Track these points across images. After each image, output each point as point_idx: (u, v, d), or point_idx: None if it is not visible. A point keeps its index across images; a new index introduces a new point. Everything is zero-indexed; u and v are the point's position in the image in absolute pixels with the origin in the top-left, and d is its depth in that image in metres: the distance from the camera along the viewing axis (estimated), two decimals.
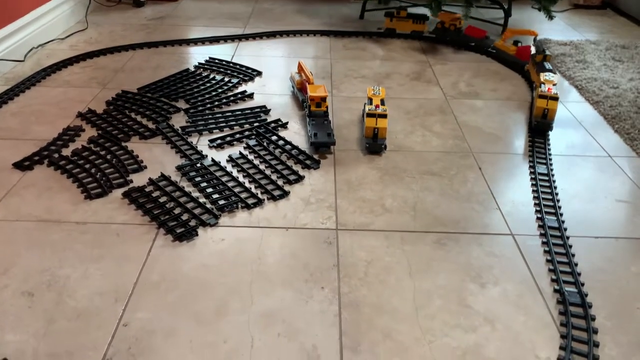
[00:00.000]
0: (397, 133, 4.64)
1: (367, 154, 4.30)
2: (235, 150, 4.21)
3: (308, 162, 4.10)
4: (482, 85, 5.66)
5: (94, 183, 3.72)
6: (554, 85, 4.65)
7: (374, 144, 4.26)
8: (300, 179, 3.92)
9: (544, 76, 4.81)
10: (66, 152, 4.07)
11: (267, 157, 4.11)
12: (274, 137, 4.37)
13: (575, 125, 4.91)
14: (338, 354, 2.63)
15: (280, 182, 3.84)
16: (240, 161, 4.04)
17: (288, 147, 4.27)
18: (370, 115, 4.27)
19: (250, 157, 4.12)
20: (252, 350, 2.62)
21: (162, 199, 3.58)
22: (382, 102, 4.46)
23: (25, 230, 3.31)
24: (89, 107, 4.71)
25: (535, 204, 3.78)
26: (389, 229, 3.49)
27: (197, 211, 3.49)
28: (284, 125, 4.61)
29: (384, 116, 4.28)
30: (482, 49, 6.41)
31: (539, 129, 4.52)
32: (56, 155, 4.00)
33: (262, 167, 4.00)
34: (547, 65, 5.21)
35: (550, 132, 4.60)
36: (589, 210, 3.78)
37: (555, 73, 5.16)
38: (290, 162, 4.09)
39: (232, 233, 3.38)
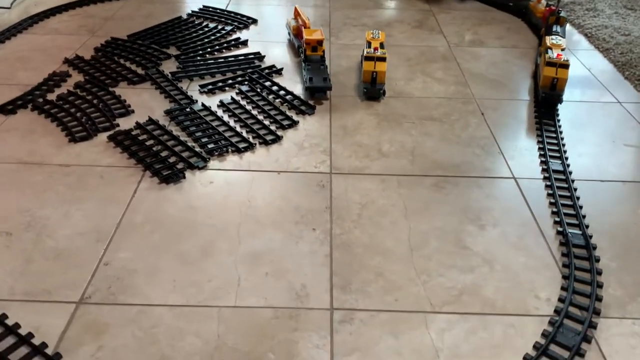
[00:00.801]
0: (397, 80, 4.45)
1: (364, 100, 4.12)
2: (227, 96, 4.05)
3: (303, 107, 3.93)
4: (488, 34, 5.44)
5: (79, 127, 3.57)
6: (563, 50, 4.11)
7: (372, 89, 4.08)
8: (294, 124, 3.76)
9: (550, 39, 4.22)
10: (51, 97, 3.92)
11: (260, 103, 3.95)
12: (268, 83, 4.19)
13: (584, 72, 4.71)
14: (328, 292, 2.51)
15: (273, 127, 3.68)
16: (231, 106, 3.88)
17: (282, 92, 4.09)
18: (368, 58, 4.08)
19: (243, 102, 3.95)
20: (239, 289, 2.50)
21: (149, 143, 3.43)
22: (382, 45, 4.26)
23: (5, 172, 3.18)
24: (76, 54, 4.53)
25: (539, 148, 3.61)
26: (385, 173, 3.34)
27: (185, 155, 3.35)
28: (279, 72, 4.43)
29: (383, 59, 4.09)
30: (518, 9, 5.74)
31: (547, 101, 3.97)
32: (41, 100, 3.85)
33: (254, 112, 3.84)
34: (556, 28, 4.64)
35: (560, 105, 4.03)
36: (595, 155, 3.61)
37: (563, 37, 4.48)
38: (284, 108, 3.92)
39: (221, 176, 3.24)
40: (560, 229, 2.92)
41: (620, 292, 2.58)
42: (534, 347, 2.28)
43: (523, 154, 3.56)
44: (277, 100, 4.01)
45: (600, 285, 2.59)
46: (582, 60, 4.91)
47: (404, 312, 2.44)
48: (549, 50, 4.07)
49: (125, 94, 3.99)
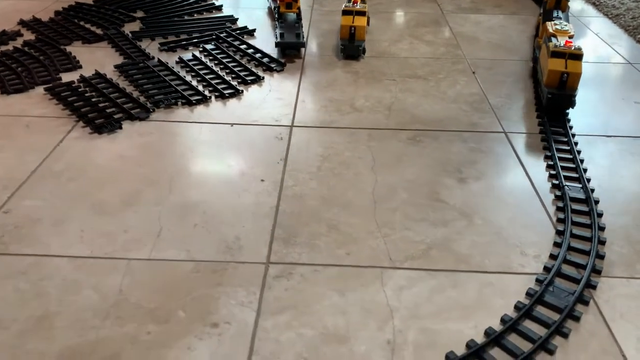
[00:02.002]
0: (381, 42, 4.02)
1: (342, 59, 3.69)
2: (189, 54, 3.64)
3: (272, 65, 3.51)
4: (485, 2, 4.99)
5: (16, 79, 3.18)
6: (571, 37, 3.10)
7: (350, 45, 3.65)
8: (258, 79, 3.34)
9: (553, 25, 3.23)
10: None
11: (225, 60, 3.53)
12: (237, 42, 3.78)
13: (592, 36, 4.25)
14: (266, 245, 2.06)
15: (234, 82, 3.26)
16: (192, 63, 3.48)
17: (251, 51, 3.68)
18: (346, 12, 3.65)
19: (205, 60, 3.54)
20: (157, 240, 2.07)
21: (90, 95, 3.03)
22: (363, 0, 3.84)
23: None
24: (33, 16, 4.17)
25: (536, 104, 3.15)
26: (356, 127, 2.89)
27: (127, 106, 2.94)
28: (251, 33, 4.03)
29: (363, 14, 3.66)
30: None
31: (555, 104, 2.89)
32: None
33: (216, 69, 3.42)
34: (558, 14, 3.63)
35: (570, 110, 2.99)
36: (602, 112, 3.14)
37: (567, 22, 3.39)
38: (250, 66, 3.50)
39: (164, 127, 2.82)
40: (556, 181, 2.45)
41: (628, 249, 2.10)
42: (516, 307, 1.81)
43: (516, 111, 3.11)
44: (245, 58, 3.59)
45: (602, 242, 2.11)
46: (590, 26, 4.44)
47: (357, 266, 1.98)
48: (553, 38, 3.05)
49: (77, 52, 3.61)
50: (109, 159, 2.54)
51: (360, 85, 3.35)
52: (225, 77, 3.30)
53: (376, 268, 1.97)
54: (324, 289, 1.88)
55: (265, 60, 3.57)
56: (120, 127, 2.77)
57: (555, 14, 3.59)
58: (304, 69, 3.53)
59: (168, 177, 2.42)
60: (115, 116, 2.84)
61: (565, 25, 3.22)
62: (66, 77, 3.27)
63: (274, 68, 3.48)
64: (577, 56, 2.87)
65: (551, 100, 2.86)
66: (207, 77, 3.30)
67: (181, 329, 1.71)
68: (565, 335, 1.71)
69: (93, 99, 2.98)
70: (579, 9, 4.87)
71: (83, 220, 2.16)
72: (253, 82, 3.31)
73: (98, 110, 2.87)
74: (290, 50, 3.67)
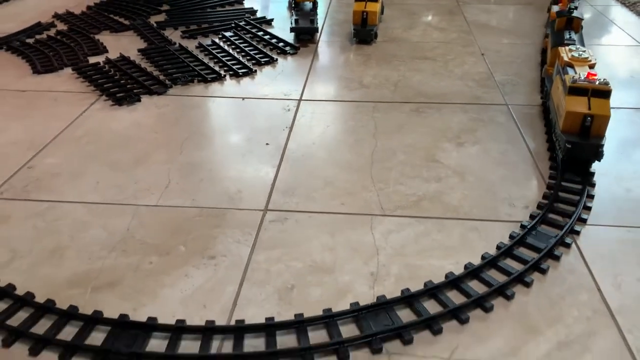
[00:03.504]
0: (394, 28, 4.13)
1: (355, 44, 3.82)
2: (209, 40, 3.82)
3: (286, 48, 3.66)
4: None
5: (46, 60, 3.42)
6: (592, 66, 2.43)
7: (362, 30, 3.77)
8: (271, 60, 3.49)
9: (568, 52, 2.52)
10: (30, 42, 3.80)
11: (242, 45, 3.70)
12: (254, 30, 3.95)
13: (605, 22, 4.27)
14: (265, 196, 2.19)
15: (248, 63, 3.42)
16: (210, 47, 3.66)
17: (267, 37, 3.84)
18: None
19: (223, 45, 3.72)
20: (165, 191, 2.22)
21: (113, 73, 3.24)
22: None
23: None
24: (67, 10, 4.44)
25: (542, 80, 3.20)
26: (362, 100, 3.01)
27: (147, 83, 3.13)
28: (269, 22, 4.20)
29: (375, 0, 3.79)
30: None
31: (576, 157, 2.24)
32: (17, 43, 3.73)
33: (232, 52, 3.60)
34: (570, 35, 2.98)
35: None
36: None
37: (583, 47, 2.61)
38: (265, 49, 3.66)
39: (180, 101, 2.99)
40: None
41: (613, 202, 2.15)
42: (497, 247, 1.88)
43: (521, 87, 3.17)
44: (261, 44, 3.76)
45: (591, 196, 2.16)
46: (605, 13, 4.47)
47: (349, 214, 2.09)
48: (569, 69, 2.39)
49: (105, 39, 3.84)
50: (126, 126, 2.72)
51: (370, 65, 3.46)
52: (241, 59, 3.46)
53: (367, 215, 2.08)
54: (316, 231, 1.99)
55: (280, 44, 3.72)
56: (139, 100, 2.96)
57: (567, 36, 2.94)
58: (317, 53, 3.67)
59: (179, 141, 2.58)
60: (135, 91, 3.03)
61: (584, 51, 2.51)
62: (93, 60, 3.48)
63: (288, 51, 3.63)
64: (603, 93, 2.20)
65: (571, 152, 2.19)
66: (223, 59, 3.47)
67: (180, 260, 1.85)
68: (543, 272, 1.78)
69: (116, 77, 3.18)
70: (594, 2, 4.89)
71: (98, 174, 2.33)
72: (266, 63, 3.46)
73: (120, 86, 3.07)
74: (304, 36, 3.81)
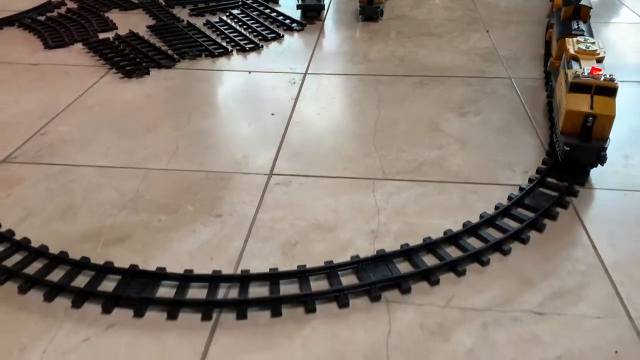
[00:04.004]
0: (401, 7, 4.15)
1: (361, 21, 3.85)
2: (217, 18, 3.87)
3: (293, 25, 3.71)
4: None
5: (57, 36, 3.49)
6: (600, 60, 2.21)
7: (368, 7, 3.81)
8: (278, 37, 3.54)
9: (575, 43, 2.29)
10: (41, 19, 3.86)
11: (248, 22, 3.75)
12: (261, 7, 3.99)
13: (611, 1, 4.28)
14: (271, 161, 2.25)
15: (255, 39, 3.47)
16: (218, 24, 3.71)
17: (274, 14, 3.89)
18: None
19: (231, 22, 3.76)
20: (174, 156, 2.29)
21: (123, 48, 3.30)
22: None
23: None
24: None
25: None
26: (367, 73, 3.05)
27: (156, 57, 3.19)
28: (276, 0, 4.23)
29: None
30: None
31: (574, 161, 2.06)
32: (29, 20, 3.80)
33: (240, 29, 3.64)
34: (578, 25, 2.70)
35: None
36: (612, 59, 3.20)
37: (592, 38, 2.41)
38: (272, 26, 3.71)
39: (188, 74, 3.05)
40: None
41: (613, 167, 2.19)
42: (495, 207, 1.93)
43: (525, 61, 3.20)
44: (268, 21, 3.80)
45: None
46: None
47: (352, 178, 2.15)
48: (574, 63, 2.19)
49: (114, 17, 3.89)
50: (135, 97, 2.78)
51: (375, 41, 3.50)
52: (247, 35, 3.51)
53: (369, 179, 2.13)
54: (319, 193, 2.05)
55: (287, 21, 3.76)
56: (148, 73, 3.02)
57: (575, 26, 2.67)
58: (323, 30, 3.71)
59: (187, 111, 2.64)
60: (144, 64, 3.09)
61: (592, 42, 2.29)
62: (103, 36, 3.54)
63: (294, 28, 3.67)
64: (608, 90, 1.99)
65: (569, 155, 2.00)
66: (230, 34, 3.52)
67: (189, 218, 1.91)
68: (540, 230, 1.83)
69: (125, 52, 3.24)
70: None
71: (108, 141, 2.40)
72: (273, 39, 3.51)
73: (129, 60, 3.13)
74: (311, 13, 3.85)
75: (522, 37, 3.53)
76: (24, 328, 1.48)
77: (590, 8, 2.83)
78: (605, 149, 1.98)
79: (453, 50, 3.36)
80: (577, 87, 2.01)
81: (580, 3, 2.80)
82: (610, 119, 1.96)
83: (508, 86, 2.89)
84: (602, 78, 1.99)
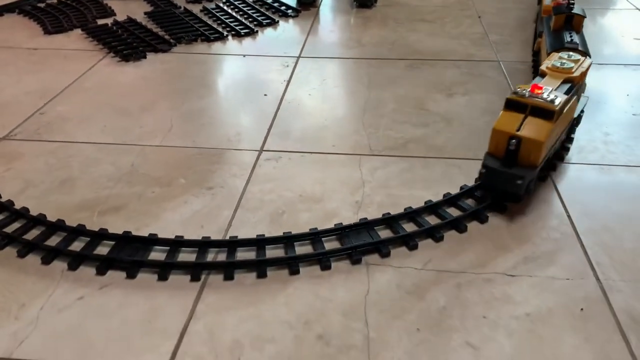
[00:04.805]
0: None
1: (355, 8, 3.92)
2: (213, 4, 3.94)
3: (288, 11, 3.78)
4: None
5: (56, 22, 3.56)
6: (570, 80, 2.00)
7: None
8: (273, 22, 3.61)
9: (558, 58, 2.13)
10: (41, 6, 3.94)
11: (245, 8, 3.82)
12: None
13: None
14: (262, 139, 2.33)
15: (250, 25, 3.54)
16: (214, 10, 3.78)
17: (269, 1, 3.95)
18: None
19: (227, 9, 3.83)
20: (168, 134, 2.36)
21: (121, 34, 3.37)
22: None
23: None
24: None
25: (533, 66, 3.26)
26: (359, 57, 3.12)
27: (153, 42, 3.26)
28: None
29: None
30: None
31: (490, 185, 1.89)
32: (29, 7, 3.87)
33: (236, 15, 3.71)
34: (571, 37, 2.41)
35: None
36: (602, 43, 3.26)
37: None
38: (268, 12, 3.78)
39: (184, 58, 3.13)
40: None
41: (590, 143, 2.26)
42: (475, 180, 2.01)
43: (514, 45, 3.26)
44: (264, 7, 3.87)
45: (570, 139, 2.27)
46: None
47: (339, 154, 2.22)
48: (539, 79, 2.06)
49: (112, 4, 3.96)
50: (132, 79, 2.86)
51: (369, 27, 3.57)
52: (243, 21, 3.59)
53: (356, 155, 2.21)
54: (307, 168, 2.13)
55: (282, 8, 3.83)
56: (145, 57, 3.09)
57: (568, 38, 2.38)
58: (318, 16, 3.77)
59: (183, 92, 2.72)
60: (141, 49, 3.16)
61: (576, 60, 2.09)
62: (101, 22, 3.62)
63: (289, 14, 3.74)
64: (545, 113, 1.79)
65: (486, 178, 1.85)
66: (226, 20, 3.59)
67: (181, 190, 1.99)
68: (518, 200, 1.90)
69: (123, 37, 3.31)
70: None
71: (105, 119, 2.48)
72: (268, 24, 3.58)
73: (126, 44, 3.20)
74: (307, 0, 3.92)
75: (512, 24, 3.60)
76: (22, 288, 1.57)
77: (584, 17, 2.56)
78: (522, 177, 1.74)
79: (445, 35, 3.42)
80: (511, 104, 1.85)
81: (572, 12, 2.55)
82: (537, 144, 1.74)
83: (496, 69, 2.95)
84: (542, 97, 1.80)
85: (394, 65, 3.01)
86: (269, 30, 3.51)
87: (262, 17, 3.66)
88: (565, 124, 2.02)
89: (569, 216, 1.85)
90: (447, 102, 2.61)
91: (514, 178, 1.77)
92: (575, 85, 1.99)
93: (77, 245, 1.70)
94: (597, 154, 2.20)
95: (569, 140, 2.26)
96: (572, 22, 2.55)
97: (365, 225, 1.75)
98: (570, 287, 1.56)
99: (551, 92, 1.85)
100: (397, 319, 1.46)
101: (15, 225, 1.80)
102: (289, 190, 1.99)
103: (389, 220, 1.78)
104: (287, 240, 1.71)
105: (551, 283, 1.58)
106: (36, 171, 2.10)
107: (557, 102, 1.81)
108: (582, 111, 2.26)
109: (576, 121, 2.23)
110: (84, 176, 2.07)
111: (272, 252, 1.68)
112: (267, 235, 1.74)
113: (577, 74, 2.02)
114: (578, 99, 2.14)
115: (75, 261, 1.64)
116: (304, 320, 1.46)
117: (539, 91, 1.84)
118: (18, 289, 1.56)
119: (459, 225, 1.77)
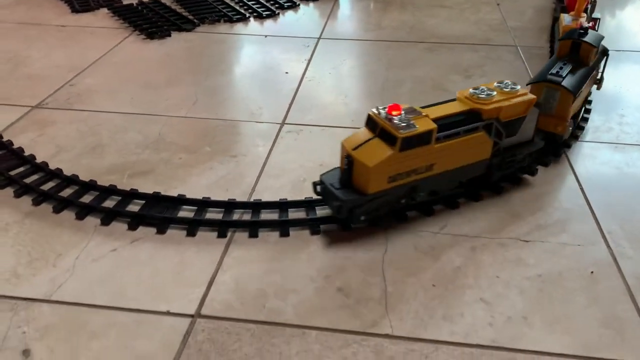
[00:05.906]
0: None
1: None
2: None
3: None
4: None
5: (84, 1, 3.66)
6: (474, 110, 1.75)
7: None
8: (294, 5, 3.68)
9: (481, 88, 1.83)
10: None
11: None
12: None
13: None
14: (284, 113, 2.40)
15: (272, 7, 3.61)
16: None
17: None
18: None
19: None
20: (193, 107, 2.44)
21: (146, 13, 3.46)
22: None
23: (4, 29, 3.29)
24: None
25: (551, 26, 3.33)
26: (378, 39, 3.18)
27: (177, 21, 3.34)
28: None
29: None
30: None
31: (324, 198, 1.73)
32: None
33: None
34: (561, 69, 2.06)
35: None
36: (614, 32, 3.30)
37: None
38: None
39: (207, 37, 3.20)
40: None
41: (607, 124, 2.31)
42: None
43: (532, 32, 3.30)
44: None
45: (585, 119, 2.32)
46: None
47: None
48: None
49: None
50: (157, 56, 2.94)
51: (388, 11, 3.63)
52: (265, 3, 3.66)
53: None
54: (327, 140, 2.20)
55: None
56: (169, 35, 3.18)
57: (556, 70, 2.05)
58: (338, 0, 3.83)
59: (205, 69, 2.80)
60: (165, 27, 3.25)
61: (515, 92, 1.77)
62: (127, 2, 3.71)
63: None
64: (390, 137, 1.59)
65: (320, 192, 1.69)
66: (248, 2, 3.66)
67: (206, 157, 2.07)
68: (532, 174, 1.96)
69: (148, 16, 3.40)
70: None
71: (133, 92, 2.56)
72: (289, 7, 3.65)
73: (151, 23, 3.29)
74: None
75: (530, 11, 3.63)
76: (58, 240, 1.66)
77: (594, 47, 2.13)
78: (341, 201, 1.56)
79: (463, 20, 3.47)
80: (370, 121, 1.68)
81: (581, 39, 2.12)
82: (365, 168, 1.55)
83: (514, 53, 3.00)
84: (393, 121, 1.59)
85: (413, 48, 3.07)
86: (289, 13, 3.58)
87: (284, 0, 3.72)
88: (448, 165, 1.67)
89: (581, 189, 1.91)
90: (464, 83, 2.66)
91: (334, 199, 1.59)
92: (482, 120, 1.69)
93: (109, 204, 1.79)
94: (611, 133, 2.25)
95: (585, 120, 2.31)
96: (579, 51, 2.15)
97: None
98: (581, 252, 1.62)
99: (413, 118, 1.61)
100: (413, 276, 1.53)
101: (50, 184, 1.88)
102: (310, 160, 2.06)
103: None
104: (309, 204, 1.78)
105: (563, 248, 1.64)
106: (68, 137, 2.19)
107: (406, 130, 1.56)
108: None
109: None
110: (113, 143, 2.16)
111: (294, 214, 1.76)
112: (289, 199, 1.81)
113: (488, 107, 1.70)
114: (500, 138, 1.76)
115: (108, 217, 1.72)
116: (324, 274, 1.54)
117: (396, 112, 1.62)
118: (55, 241, 1.65)
119: (474, 194, 1.83)
